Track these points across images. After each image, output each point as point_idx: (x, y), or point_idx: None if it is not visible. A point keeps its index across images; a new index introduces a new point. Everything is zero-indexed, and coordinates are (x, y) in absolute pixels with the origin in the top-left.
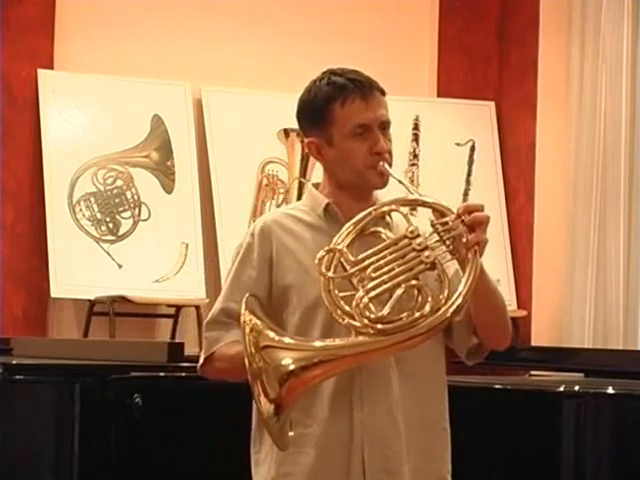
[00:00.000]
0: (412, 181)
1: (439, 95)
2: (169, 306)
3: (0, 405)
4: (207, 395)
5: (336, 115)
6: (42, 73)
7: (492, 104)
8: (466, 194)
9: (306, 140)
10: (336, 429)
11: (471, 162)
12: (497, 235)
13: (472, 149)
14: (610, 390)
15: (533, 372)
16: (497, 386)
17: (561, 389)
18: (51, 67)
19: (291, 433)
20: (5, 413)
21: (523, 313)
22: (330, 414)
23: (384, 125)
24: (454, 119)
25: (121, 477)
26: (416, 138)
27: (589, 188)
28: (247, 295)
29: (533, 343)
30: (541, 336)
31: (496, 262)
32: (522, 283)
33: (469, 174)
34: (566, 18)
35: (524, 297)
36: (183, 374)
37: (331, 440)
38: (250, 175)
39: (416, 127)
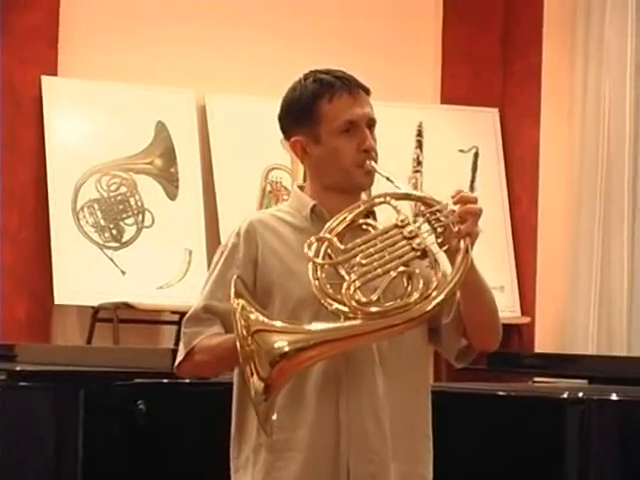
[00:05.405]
0: (415, 187)
1: (443, 102)
2: (173, 313)
3: (4, 412)
4: (211, 401)
5: (324, 111)
6: (46, 79)
7: (496, 111)
8: None
9: (291, 140)
10: (322, 433)
11: (475, 169)
12: (501, 242)
13: (476, 156)
14: (614, 397)
15: (537, 379)
16: (501, 393)
17: (565, 396)
18: (55, 73)
19: (274, 417)
20: (9, 420)
21: (527, 320)
22: (316, 417)
23: (371, 123)
24: (458, 126)
25: None
26: (420, 145)
27: (593, 195)
28: (235, 277)
29: (537, 350)
30: (545, 343)
31: (500, 268)
32: (526, 289)
33: (473, 181)
34: (570, 26)
35: (528, 303)
36: (187, 380)
37: (317, 444)
38: (254, 182)
39: (420, 134)
